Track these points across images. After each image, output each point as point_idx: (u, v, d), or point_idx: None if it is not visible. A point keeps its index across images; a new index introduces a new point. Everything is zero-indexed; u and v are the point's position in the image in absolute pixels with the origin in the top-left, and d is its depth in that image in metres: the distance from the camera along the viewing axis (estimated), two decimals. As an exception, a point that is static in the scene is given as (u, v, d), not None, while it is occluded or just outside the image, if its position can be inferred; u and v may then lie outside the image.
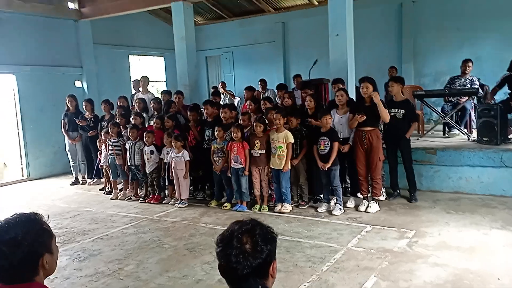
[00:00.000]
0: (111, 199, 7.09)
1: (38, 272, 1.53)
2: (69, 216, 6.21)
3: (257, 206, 5.92)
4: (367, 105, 5.46)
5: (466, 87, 7.28)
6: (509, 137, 6.47)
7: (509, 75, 6.78)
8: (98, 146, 7.68)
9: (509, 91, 6.79)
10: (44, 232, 1.56)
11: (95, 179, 8.33)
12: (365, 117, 5.34)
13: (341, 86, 6.01)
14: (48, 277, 1.60)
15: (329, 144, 5.46)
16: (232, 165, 5.93)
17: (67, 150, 8.49)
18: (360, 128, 5.48)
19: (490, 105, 6.47)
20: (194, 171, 6.68)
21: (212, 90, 10.97)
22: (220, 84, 10.91)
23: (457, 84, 7.43)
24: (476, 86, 7.25)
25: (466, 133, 7.10)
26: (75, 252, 4.74)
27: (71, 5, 9.99)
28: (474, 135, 6.87)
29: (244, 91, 8.17)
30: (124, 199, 6.97)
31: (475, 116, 7.15)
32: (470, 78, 7.43)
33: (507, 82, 6.81)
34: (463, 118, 7.35)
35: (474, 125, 7.30)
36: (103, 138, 7.35)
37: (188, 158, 6.29)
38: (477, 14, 9.41)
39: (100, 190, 7.77)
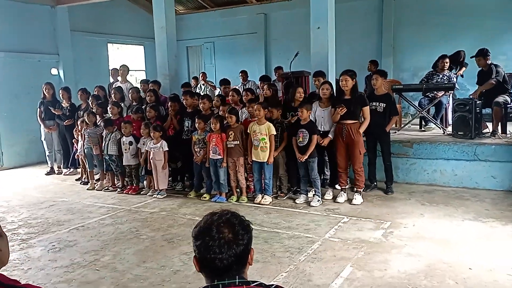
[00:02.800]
0: (87, 189, 6.98)
1: None
2: (44, 206, 6.09)
3: (234, 198, 5.93)
4: (347, 98, 5.50)
5: (444, 83, 7.42)
6: (483, 131, 6.64)
7: (480, 70, 6.95)
8: (75, 135, 7.54)
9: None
10: None
11: (71, 169, 8.19)
12: (345, 109, 5.38)
13: (322, 80, 6.03)
14: (2, 266, 1.52)
15: (308, 136, 5.50)
16: (210, 156, 5.92)
17: (42, 139, 8.30)
18: (340, 121, 5.51)
19: (465, 100, 6.61)
20: (173, 162, 6.63)
21: (192, 80, 10.88)
22: (201, 74, 10.82)
23: (434, 80, 7.55)
24: (453, 81, 7.40)
25: (441, 127, 7.25)
26: (50, 243, 4.65)
27: (47, -9, 9.71)
28: (450, 129, 7.02)
29: (220, 86, 8.05)
30: (101, 190, 6.87)
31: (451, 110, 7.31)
32: (447, 74, 7.57)
33: (478, 76, 7.00)
34: (439, 112, 7.50)
35: (450, 119, 7.45)
36: (79, 127, 7.21)
37: (167, 149, 6.23)
38: (457, 11, 9.59)
39: (76, 180, 7.65)
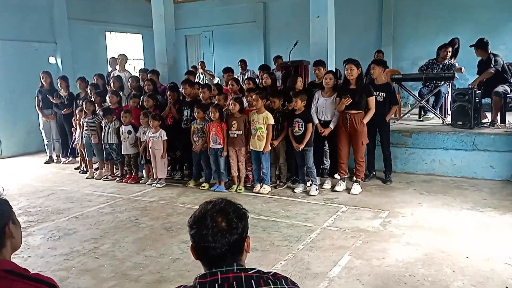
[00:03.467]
0: (86, 178, 6.99)
1: (5, 243, 1.49)
2: (43, 195, 6.09)
3: (235, 187, 5.94)
4: (352, 87, 5.46)
5: (444, 73, 7.38)
6: (482, 121, 6.64)
7: (479, 60, 6.92)
8: (73, 124, 7.52)
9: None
10: (4, 202, 1.52)
11: (70, 158, 8.19)
12: (351, 100, 5.35)
13: (323, 69, 6.00)
14: (15, 251, 1.56)
15: (303, 125, 5.49)
16: (210, 146, 5.91)
17: (41, 128, 8.28)
18: (344, 110, 5.47)
19: (465, 90, 6.60)
20: (172, 151, 6.62)
21: (191, 69, 10.82)
22: (200, 63, 10.77)
23: (434, 70, 7.50)
24: (453, 71, 7.37)
25: (441, 116, 7.24)
26: (49, 231, 4.67)
27: (44, -22, 9.61)
28: (449, 119, 7.01)
29: (223, 74, 8.03)
30: (100, 179, 6.87)
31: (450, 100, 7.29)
32: (448, 63, 7.51)
33: (478, 66, 6.98)
34: (438, 102, 7.48)
35: (449, 109, 7.44)
36: (78, 116, 7.18)
37: (166, 138, 6.22)
38: (455, 3, 9.57)
39: (75, 169, 7.64)
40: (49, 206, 5.57)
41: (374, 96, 5.57)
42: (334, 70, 6.43)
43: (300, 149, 5.54)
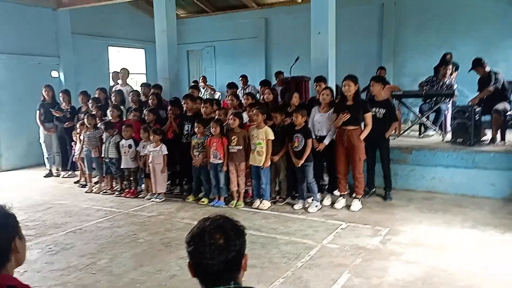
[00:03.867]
0: (85, 192, 6.97)
1: (10, 258, 1.48)
2: (42, 208, 6.07)
3: (234, 202, 5.92)
4: (349, 103, 5.50)
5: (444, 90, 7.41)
6: (482, 139, 6.63)
7: (480, 78, 6.96)
8: (74, 138, 7.53)
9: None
10: (11, 216, 1.53)
11: (70, 172, 8.17)
12: (349, 115, 5.37)
13: (324, 85, 6.04)
14: (18, 266, 1.56)
15: (303, 140, 5.49)
16: (211, 160, 5.91)
17: (41, 141, 8.29)
18: (342, 126, 5.50)
19: (465, 107, 6.62)
20: (172, 166, 6.62)
21: (192, 84, 10.88)
22: (201, 78, 10.84)
23: (434, 88, 7.54)
24: (454, 88, 7.41)
25: (441, 133, 7.25)
26: (46, 245, 4.64)
27: (49, -7, 9.75)
28: (449, 136, 7.01)
29: (226, 89, 8.09)
30: (99, 193, 6.86)
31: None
32: (448, 82, 7.54)
33: (478, 84, 7.01)
34: (438, 119, 7.49)
35: (449, 126, 7.45)
36: (79, 130, 7.21)
37: (166, 152, 6.22)
38: (456, 18, 9.61)
39: (74, 183, 7.63)
40: (47, 220, 5.55)
41: (370, 113, 5.60)
42: (334, 86, 6.48)
43: (299, 165, 5.54)
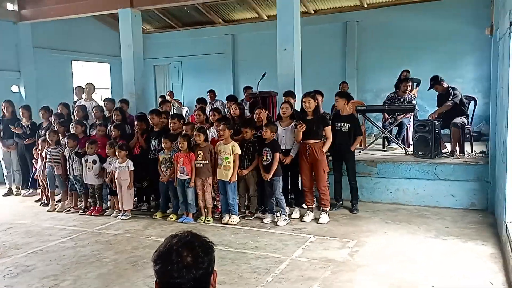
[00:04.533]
0: (47, 211, 6.71)
1: None
2: (1, 229, 5.79)
3: (203, 218, 5.86)
4: (310, 118, 5.62)
5: (405, 105, 7.70)
6: (442, 151, 6.91)
7: (439, 94, 7.30)
8: (34, 155, 7.27)
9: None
10: None
11: (31, 190, 7.86)
12: (305, 127, 5.48)
13: (286, 99, 6.13)
14: None
15: (271, 155, 5.55)
16: (178, 176, 5.85)
17: (0, 158, 7.96)
18: (304, 141, 5.61)
19: (425, 121, 6.88)
20: (139, 182, 6.50)
21: (159, 99, 10.80)
22: (168, 93, 10.79)
23: (396, 103, 7.83)
24: (414, 103, 7.71)
25: (403, 147, 7.49)
26: (6, 267, 4.42)
27: (10, 6, 9.48)
28: (411, 149, 7.26)
29: (195, 104, 8.07)
30: (62, 211, 6.62)
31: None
32: (408, 97, 7.86)
33: (437, 99, 7.34)
34: (400, 133, 7.76)
35: (411, 139, 7.71)
36: (40, 146, 6.97)
37: (133, 168, 6.12)
38: (416, 36, 10.06)
39: (36, 201, 7.34)
40: (7, 241, 5.30)
41: (330, 126, 5.77)
42: (301, 101, 6.59)
43: (267, 179, 5.58)
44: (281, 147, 5.80)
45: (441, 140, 6.93)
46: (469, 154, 6.82)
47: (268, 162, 5.59)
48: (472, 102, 7.67)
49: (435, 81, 7.19)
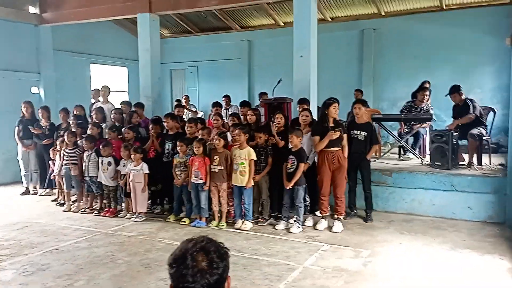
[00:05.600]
0: (63, 211, 6.80)
1: None
2: (17, 227, 5.89)
3: (215, 222, 5.87)
4: (331, 126, 5.58)
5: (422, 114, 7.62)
6: (459, 162, 6.80)
7: (454, 105, 7.20)
8: (51, 155, 7.39)
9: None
10: None
11: (47, 190, 7.98)
12: (339, 133, 5.46)
13: (306, 107, 6.13)
14: None
15: (296, 163, 5.52)
16: (192, 180, 5.87)
17: (19, 158, 8.11)
18: (328, 149, 5.57)
19: (442, 131, 6.79)
20: (153, 185, 6.54)
21: (175, 103, 10.88)
22: (184, 97, 10.86)
23: (413, 113, 7.74)
24: (431, 113, 7.62)
25: (419, 157, 7.40)
26: (22, 266, 4.48)
27: (32, 10, 9.69)
28: (428, 159, 7.16)
29: (211, 108, 8.12)
30: (78, 212, 6.70)
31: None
32: (425, 107, 7.77)
33: (453, 110, 7.24)
34: (416, 142, 7.66)
35: (427, 149, 7.61)
36: (58, 147, 7.08)
37: (147, 171, 6.16)
38: (434, 45, 9.96)
39: (52, 201, 7.44)
40: (23, 239, 5.38)
41: (346, 134, 5.75)
42: (316, 108, 6.58)
43: (288, 187, 5.54)
44: (306, 157, 5.73)
45: (458, 151, 6.82)
46: (487, 166, 6.70)
47: (292, 170, 5.55)
48: (491, 113, 7.54)
49: (456, 90, 7.09)
